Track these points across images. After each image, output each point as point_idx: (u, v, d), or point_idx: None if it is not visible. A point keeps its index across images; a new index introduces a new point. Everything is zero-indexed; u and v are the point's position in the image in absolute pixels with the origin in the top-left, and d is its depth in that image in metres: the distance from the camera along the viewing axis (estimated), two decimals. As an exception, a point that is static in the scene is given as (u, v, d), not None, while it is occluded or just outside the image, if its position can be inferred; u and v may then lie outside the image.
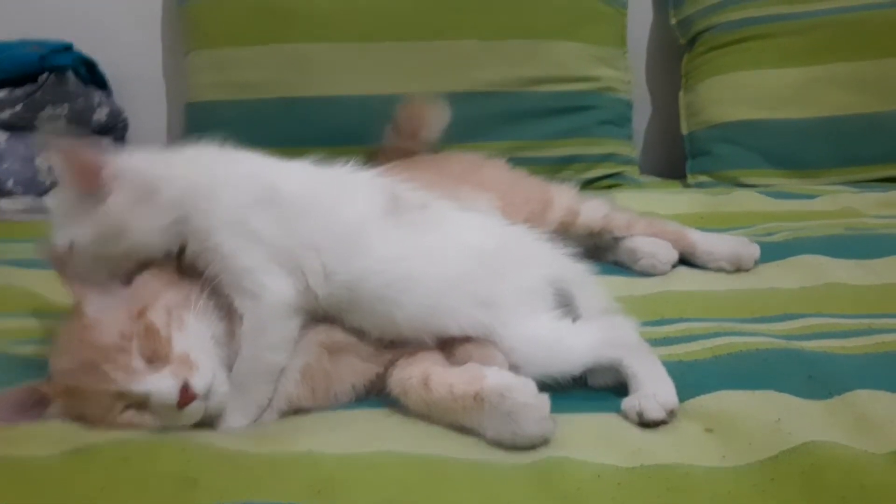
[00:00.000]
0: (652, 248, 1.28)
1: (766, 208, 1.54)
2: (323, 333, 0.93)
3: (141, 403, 0.83)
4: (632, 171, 1.83)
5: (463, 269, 0.93)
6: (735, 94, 1.79)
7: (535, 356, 0.90)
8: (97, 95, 1.89)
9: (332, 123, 1.75)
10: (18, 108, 1.72)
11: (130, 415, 0.84)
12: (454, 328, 0.92)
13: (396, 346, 0.93)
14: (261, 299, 0.89)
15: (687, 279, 1.24)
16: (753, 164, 1.76)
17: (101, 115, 1.90)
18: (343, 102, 1.75)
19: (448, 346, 0.93)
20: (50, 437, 0.82)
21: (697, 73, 1.85)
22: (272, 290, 0.89)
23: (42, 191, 1.72)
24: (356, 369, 0.93)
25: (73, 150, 0.90)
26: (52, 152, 0.93)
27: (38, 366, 0.98)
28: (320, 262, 0.91)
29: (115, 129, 1.96)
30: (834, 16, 1.75)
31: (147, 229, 0.91)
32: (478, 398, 0.82)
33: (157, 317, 0.86)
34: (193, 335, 0.87)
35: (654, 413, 0.84)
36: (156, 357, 0.84)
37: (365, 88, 1.75)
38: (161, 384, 0.82)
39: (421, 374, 0.88)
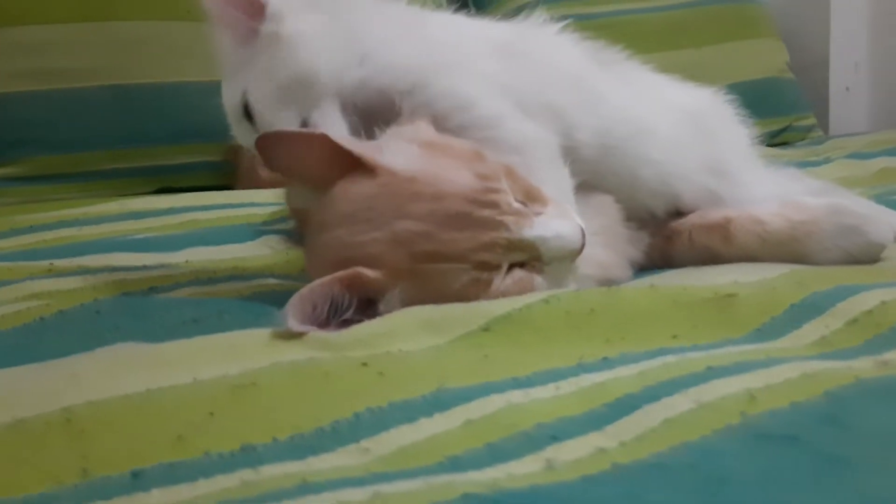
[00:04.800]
0: None
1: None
2: (606, 196, 0.80)
3: (525, 258, 0.62)
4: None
5: (682, 130, 0.86)
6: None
7: None
8: None
9: (176, 116, 1.46)
10: None
11: (517, 277, 0.61)
12: (688, 195, 0.86)
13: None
14: (524, 149, 0.72)
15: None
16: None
17: None
18: (189, 91, 1.47)
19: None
20: (423, 322, 0.57)
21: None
22: (533, 138, 0.73)
23: None
24: (630, 238, 0.81)
25: None
26: None
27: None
28: (566, 109, 0.78)
29: None
30: (640, 15, 1.96)
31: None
32: (815, 221, 0.79)
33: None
34: None
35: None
36: (529, 199, 0.63)
37: (215, 73, 1.50)
38: (564, 225, 0.62)
39: (740, 215, 0.82)
